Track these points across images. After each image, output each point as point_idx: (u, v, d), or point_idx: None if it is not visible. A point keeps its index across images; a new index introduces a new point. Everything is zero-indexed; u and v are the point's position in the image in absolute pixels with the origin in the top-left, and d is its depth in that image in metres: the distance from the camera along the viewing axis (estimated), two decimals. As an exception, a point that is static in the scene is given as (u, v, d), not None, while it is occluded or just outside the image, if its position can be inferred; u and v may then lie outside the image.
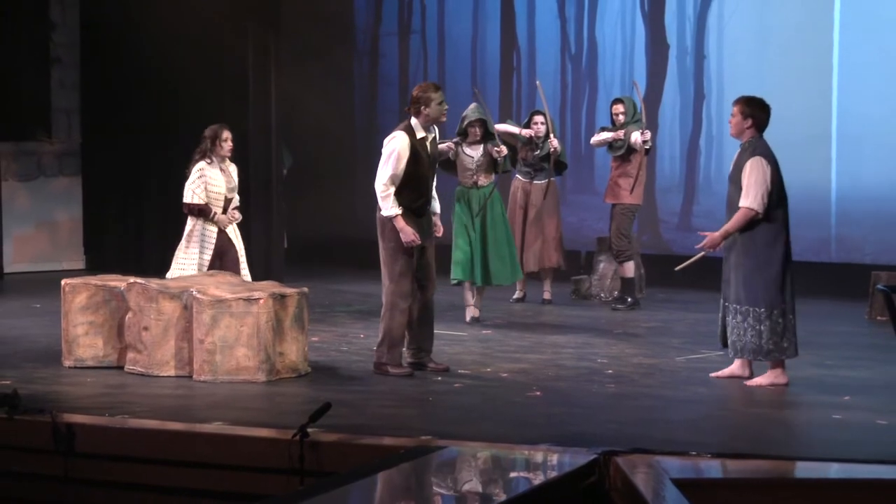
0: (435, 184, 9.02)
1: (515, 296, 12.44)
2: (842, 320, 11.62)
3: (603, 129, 12.48)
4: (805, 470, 6.44)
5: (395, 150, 8.63)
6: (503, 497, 5.84)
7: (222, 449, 6.88)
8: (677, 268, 9.33)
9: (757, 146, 8.44)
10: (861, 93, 13.18)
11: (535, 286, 12.56)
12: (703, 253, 8.87)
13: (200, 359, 8.51)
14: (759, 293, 8.36)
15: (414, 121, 8.71)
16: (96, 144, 14.95)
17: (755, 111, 8.49)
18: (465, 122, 11.15)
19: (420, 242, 8.68)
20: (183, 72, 14.08)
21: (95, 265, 14.28)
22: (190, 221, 9.80)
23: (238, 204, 9.98)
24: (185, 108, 14.32)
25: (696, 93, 14.05)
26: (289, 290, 8.82)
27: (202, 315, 8.49)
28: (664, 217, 14.20)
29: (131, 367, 8.76)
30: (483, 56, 15.29)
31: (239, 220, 9.89)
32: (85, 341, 8.96)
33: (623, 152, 12.10)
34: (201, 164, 9.73)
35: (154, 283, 8.83)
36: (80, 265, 14.79)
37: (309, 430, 6.62)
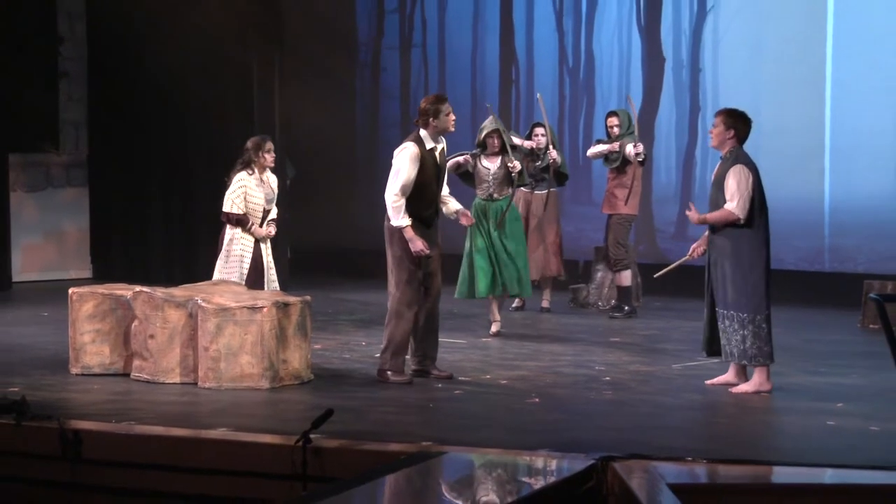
0: (448, 190, 9.03)
1: (515, 304, 12.43)
2: (835, 329, 11.62)
3: (598, 142, 12.50)
4: (800, 475, 6.43)
5: (405, 161, 8.64)
6: (503, 502, 5.84)
7: (226, 455, 6.87)
8: (656, 275, 9.39)
9: (738, 155, 8.48)
10: (854, 105, 13.19)
11: (535, 295, 12.54)
12: (681, 261, 8.93)
13: (205, 366, 8.50)
14: (742, 299, 8.36)
15: (423, 132, 8.73)
16: (103, 156, 14.95)
17: (737, 123, 8.52)
18: (483, 134, 11.01)
19: (428, 253, 8.68)
20: (188, 85, 14.09)
21: (102, 274, 14.28)
22: (228, 232, 9.73)
23: (275, 217, 9.90)
24: (191, 120, 14.34)
25: (691, 105, 14.06)
26: (292, 299, 8.82)
27: (207, 323, 8.49)
28: (660, 227, 14.20)
29: (137, 375, 8.76)
30: (483, 69, 15.30)
31: (273, 234, 9.84)
32: (92, 349, 8.96)
33: (618, 164, 12.11)
34: (242, 175, 9.68)
35: (160, 291, 8.83)
36: (88, 274, 14.78)
37: (312, 436, 6.61)
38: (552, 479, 6.31)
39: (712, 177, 8.60)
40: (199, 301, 8.58)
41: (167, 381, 8.62)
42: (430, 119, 8.70)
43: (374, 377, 8.81)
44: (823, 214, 13.34)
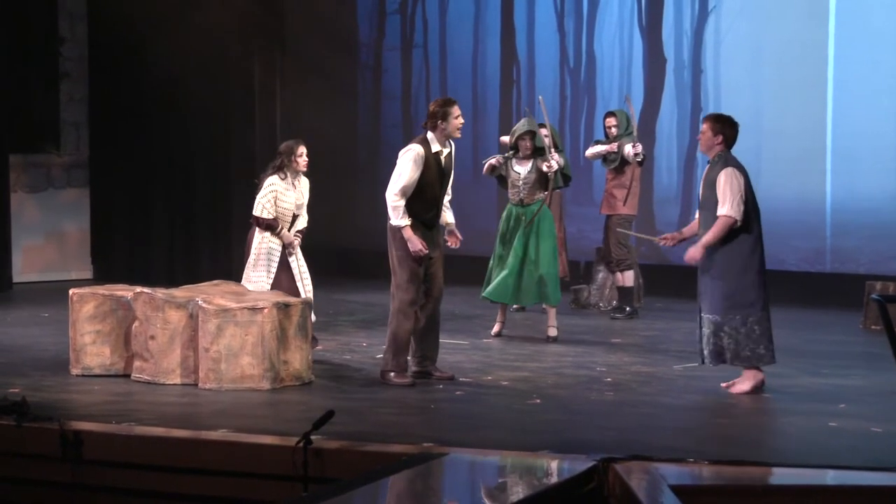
0: (450, 197, 9.01)
1: (515, 305, 12.41)
2: (837, 329, 11.61)
3: (597, 143, 12.50)
4: (801, 477, 6.42)
5: (408, 162, 8.64)
6: (504, 503, 5.83)
7: (227, 456, 6.86)
8: (619, 230, 9.29)
9: (728, 159, 8.48)
10: (856, 106, 13.18)
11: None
12: (648, 237, 8.96)
13: (206, 367, 8.50)
14: (732, 302, 8.33)
15: (430, 135, 8.73)
16: (104, 157, 14.95)
17: (725, 128, 8.51)
18: (516, 136, 10.86)
19: (427, 252, 8.67)
20: (189, 85, 14.09)
21: (103, 275, 14.28)
22: (257, 235, 9.66)
23: (304, 227, 9.80)
24: (192, 121, 14.34)
25: (693, 106, 14.04)
26: (293, 300, 8.82)
27: (207, 324, 8.48)
28: (661, 228, 14.17)
29: (138, 376, 8.75)
30: (484, 70, 15.29)
31: (297, 243, 9.73)
32: (92, 350, 8.95)
33: (617, 164, 12.11)
34: (273, 179, 9.59)
35: (160, 292, 8.82)
36: (88, 275, 14.78)
37: (312, 437, 6.60)
38: (553, 481, 6.30)
39: (702, 180, 8.57)
40: (199, 302, 8.57)
41: (168, 382, 8.61)
42: (439, 122, 8.70)
43: (376, 378, 8.80)
44: (825, 215, 13.33)
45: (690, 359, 9.79)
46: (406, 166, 8.63)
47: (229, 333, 8.46)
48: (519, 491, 6.17)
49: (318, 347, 9.75)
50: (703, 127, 8.57)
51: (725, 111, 13.92)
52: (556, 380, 8.96)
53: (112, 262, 14.77)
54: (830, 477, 6.47)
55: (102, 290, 9.21)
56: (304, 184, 9.80)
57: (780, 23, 13.63)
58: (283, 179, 9.61)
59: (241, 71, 14.09)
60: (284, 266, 9.67)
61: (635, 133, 12.07)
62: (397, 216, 8.63)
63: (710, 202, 8.40)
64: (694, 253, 8.46)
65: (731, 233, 8.36)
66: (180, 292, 8.95)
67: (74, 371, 8.95)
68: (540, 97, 12.01)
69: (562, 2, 14.80)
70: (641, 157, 12.01)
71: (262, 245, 9.64)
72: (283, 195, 9.61)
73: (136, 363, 8.77)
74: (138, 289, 8.92)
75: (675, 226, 14.13)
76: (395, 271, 8.74)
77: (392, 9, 15.85)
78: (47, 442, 7.07)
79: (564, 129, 14.61)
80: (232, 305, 8.51)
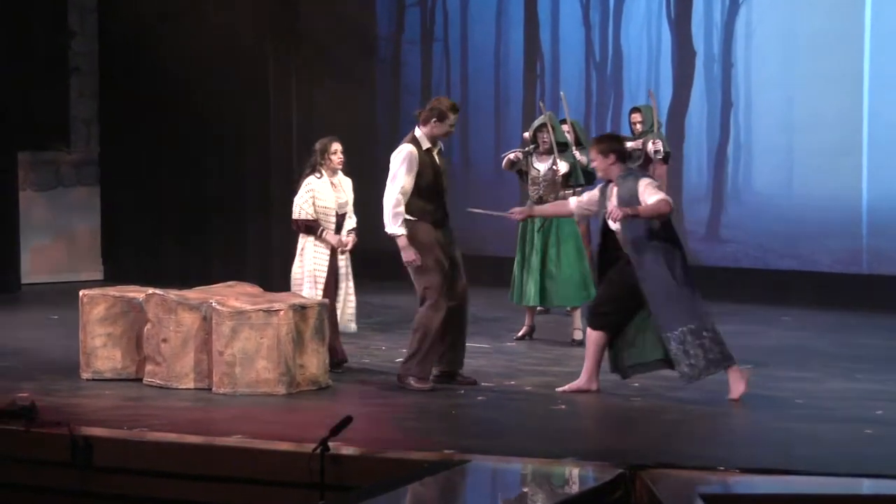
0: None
1: (539, 307, 12.39)
2: (873, 333, 11.55)
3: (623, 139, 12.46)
4: (836, 486, 6.40)
5: (404, 163, 8.63)
6: (528, 512, 5.83)
7: (242, 463, 6.88)
8: (469, 209, 9.39)
9: (634, 172, 8.45)
10: (894, 99, 13.11)
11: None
12: (497, 213, 9.02)
13: (220, 371, 8.51)
14: (685, 311, 8.27)
15: (419, 132, 8.72)
16: (115, 154, 14.99)
17: (610, 146, 8.46)
18: (533, 130, 10.81)
19: (419, 262, 8.62)
20: (202, 81, 14.11)
21: (114, 276, 14.31)
22: (301, 239, 9.53)
23: (354, 226, 9.65)
24: (206, 117, 14.36)
25: (723, 101, 14.01)
26: (309, 302, 8.82)
27: (222, 327, 8.50)
28: (691, 227, 14.15)
29: (150, 380, 8.77)
30: (506, 64, 15.27)
31: (350, 245, 9.56)
32: (103, 353, 8.98)
33: (641, 162, 12.09)
34: (309, 179, 9.43)
35: (173, 293, 8.83)
36: (99, 276, 14.82)
37: (330, 443, 6.61)
38: (579, 489, 6.30)
39: (613, 201, 8.36)
40: (213, 304, 8.59)
41: (181, 387, 8.63)
42: (434, 120, 8.69)
43: (395, 382, 8.80)
44: (861, 213, 13.26)
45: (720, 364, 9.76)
46: (400, 169, 8.62)
47: (244, 336, 8.47)
48: (543, 500, 6.17)
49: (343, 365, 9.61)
50: (592, 155, 8.54)
51: (757, 106, 13.98)
52: (581, 385, 8.94)
53: (123, 263, 14.80)
54: (866, 486, 6.44)
55: (113, 291, 9.24)
56: (345, 183, 9.64)
57: (814, 13, 13.58)
58: (318, 178, 9.50)
59: (255, 66, 14.12)
60: (333, 271, 9.58)
61: (656, 129, 12.04)
62: (396, 224, 8.58)
63: (631, 223, 8.27)
64: (619, 211, 8.26)
65: (658, 245, 8.24)
66: (193, 294, 8.97)
67: (85, 375, 8.98)
68: (561, 93, 11.98)
69: (587, -7, 14.79)
70: (662, 153, 11.97)
71: (307, 249, 9.47)
72: (321, 195, 9.46)
73: (148, 367, 8.79)
74: (150, 290, 8.94)
75: (704, 226, 14.12)
76: (415, 278, 8.71)
77: (411, 1, 15.86)
78: (57, 448, 7.09)
79: (590, 125, 14.57)
80: (247, 307, 8.52)
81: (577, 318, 10.77)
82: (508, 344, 10.70)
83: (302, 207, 9.40)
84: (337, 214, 9.53)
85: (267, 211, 14.30)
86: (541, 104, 11.85)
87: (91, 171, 15.09)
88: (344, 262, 9.59)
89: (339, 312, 9.47)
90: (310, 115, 14.69)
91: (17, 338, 10.84)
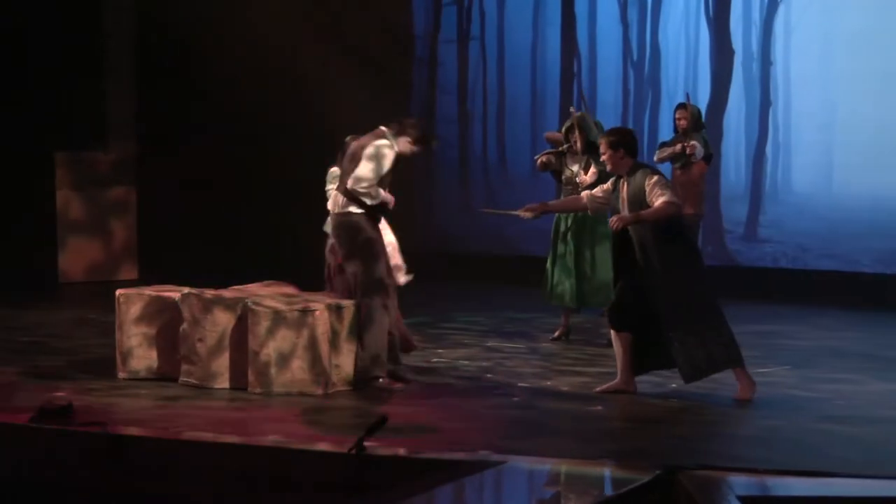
0: None
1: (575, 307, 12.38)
2: (914, 334, 11.49)
3: (662, 145, 12.43)
4: (875, 488, 6.35)
5: (387, 154, 8.68)
6: (564, 514, 5.82)
7: (277, 463, 6.89)
8: (482, 209, 9.66)
9: (644, 168, 8.39)
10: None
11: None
12: (510, 212, 9.00)
13: (255, 371, 8.53)
14: (689, 310, 8.23)
15: (392, 138, 8.78)
16: (152, 153, 15.06)
17: (620, 139, 8.42)
18: (564, 129, 10.77)
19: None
20: (238, 79, 14.17)
21: (150, 275, 14.37)
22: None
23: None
24: (242, 115, 14.41)
25: (762, 100, 13.96)
26: (345, 302, 8.83)
27: (258, 326, 8.52)
28: (729, 227, 14.11)
29: (185, 380, 8.80)
30: (543, 62, 15.27)
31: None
32: (139, 353, 9.01)
33: (684, 162, 12.05)
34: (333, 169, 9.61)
35: (209, 293, 8.86)
36: (135, 275, 14.89)
37: (366, 444, 6.61)
38: (615, 491, 6.27)
39: (622, 197, 8.39)
40: (249, 303, 8.61)
41: (216, 387, 8.66)
42: (408, 140, 8.78)
43: (429, 382, 8.81)
44: (901, 213, 13.20)
45: (758, 364, 9.73)
46: (385, 157, 8.70)
47: (280, 336, 8.49)
48: (579, 501, 6.16)
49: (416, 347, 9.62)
50: (601, 148, 8.48)
51: (796, 105, 13.92)
52: (618, 385, 8.92)
53: (159, 262, 14.87)
54: (907, 488, 6.40)
55: (149, 290, 9.27)
56: None
57: (854, 10, 13.52)
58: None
59: (291, 64, 14.15)
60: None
61: (700, 130, 12.01)
62: (378, 195, 8.69)
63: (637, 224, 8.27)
64: (625, 219, 8.27)
65: (672, 240, 8.22)
66: (229, 293, 8.99)
67: (121, 374, 9.02)
68: (581, 91, 11.94)
69: (625, -9, 14.76)
70: (697, 158, 11.92)
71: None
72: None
73: (184, 366, 8.82)
74: (186, 289, 8.97)
75: (742, 226, 14.07)
76: (357, 271, 8.71)
77: (448, 0, 15.87)
78: (93, 447, 7.13)
79: (627, 124, 14.55)
80: (283, 307, 8.54)
81: (564, 315, 10.84)
82: (544, 344, 10.68)
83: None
84: None
85: (303, 209, 14.32)
86: (571, 109, 11.82)
87: (128, 171, 15.16)
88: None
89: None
90: (346, 113, 14.70)
91: (55, 337, 10.90)
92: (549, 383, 8.99)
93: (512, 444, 7.08)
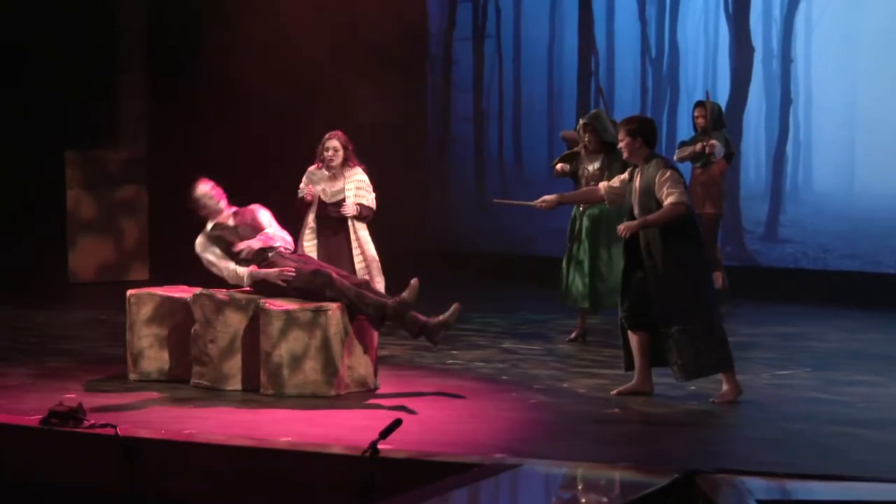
0: None
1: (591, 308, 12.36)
2: (937, 336, 11.45)
3: (682, 144, 12.41)
4: (898, 492, 6.35)
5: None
6: (580, 518, 5.82)
7: (291, 466, 6.90)
8: (496, 200, 9.96)
9: (658, 160, 8.36)
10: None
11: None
12: (525, 203, 9.10)
13: (268, 372, 8.55)
14: (685, 309, 8.22)
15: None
16: (163, 152, 15.08)
17: (640, 128, 8.41)
18: (578, 126, 10.71)
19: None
20: (252, 77, 14.17)
21: (162, 276, 14.39)
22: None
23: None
24: (256, 113, 14.42)
25: (782, 98, 13.93)
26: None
27: (270, 327, 8.53)
28: (749, 227, 14.08)
29: (197, 381, 8.81)
30: (560, 60, 15.25)
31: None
32: (150, 354, 9.03)
33: (704, 162, 12.04)
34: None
35: (220, 293, 8.88)
36: (146, 276, 14.92)
37: (379, 446, 6.62)
38: (633, 495, 6.27)
39: (634, 187, 8.39)
40: (261, 304, 8.62)
41: (228, 388, 8.67)
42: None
43: (444, 385, 8.81)
44: (925, 213, 13.17)
45: (780, 366, 9.72)
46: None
47: (292, 337, 8.50)
48: (596, 505, 6.16)
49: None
50: (620, 134, 8.48)
51: (817, 103, 13.89)
52: (636, 388, 8.91)
53: (171, 262, 14.88)
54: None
55: (161, 291, 9.29)
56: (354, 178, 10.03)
57: (877, 8, 13.48)
58: (317, 168, 9.95)
59: (305, 63, 14.16)
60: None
61: (719, 128, 12.00)
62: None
63: (651, 207, 8.24)
64: (631, 226, 8.28)
65: (675, 236, 8.21)
66: (241, 294, 9.01)
67: (132, 376, 9.04)
68: (598, 86, 11.94)
69: (643, -12, 14.75)
70: (716, 158, 11.90)
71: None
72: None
73: (196, 368, 8.84)
74: (198, 290, 8.99)
75: (763, 226, 14.04)
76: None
77: (463, -3, 15.88)
78: (103, 450, 7.14)
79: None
80: (295, 307, 8.55)
81: (581, 317, 10.81)
82: (560, 346, 10.67)
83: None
84: (328, 204, 9.85)
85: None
86: (600, 88, 11.80)
87: (139, 170, 15.18)
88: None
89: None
90: (359, 112, 14.71)
91: (65, 338, 10.92)
92: (565, 385, 8.98)
93: (528, 447, 7.08)
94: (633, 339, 8.47)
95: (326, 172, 9.92)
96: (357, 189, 9.89)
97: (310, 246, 9.82)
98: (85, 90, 14.57)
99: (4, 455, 7.45)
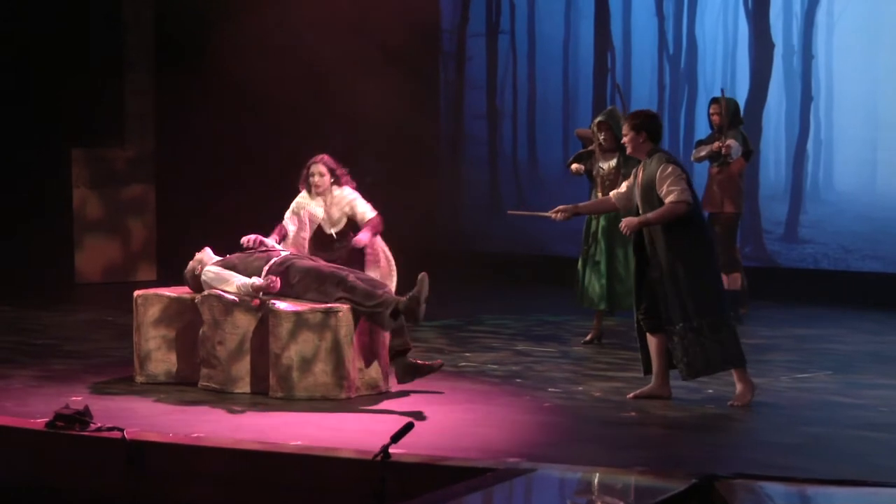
0: None
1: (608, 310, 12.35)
2: (961, 338, 11.43)
3: (699, 143, 12.39)
4: (921, 498, 6.34)
5: None
6: (595, 523, 5.82)
7: (300, 470, 6.91)
8: (510, 211, 10.07)
9: (662, 155, 8.34)
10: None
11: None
12: (539, 213, 9.03)
13: (277, 374, 8.56)
14: (690, 307, 8.20)
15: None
16: (171, 150, 15.11)
17: (645, 123, 8.39)
18: (594, 125, 10.70)
19: None
20: (261, 73, 14.18)
21: (169, 276, 14.41)
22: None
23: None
24: (264, 112, 14.43)
25: (803, 95, 13.91)
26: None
27: (279, 329, 8.54)
28: (768, 227, 14.07)
29: (205, 384, 8.83)
30: (575, 57, 15.25)
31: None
32: (158, 356, 9.05)
33: (722, 161, 12.02)
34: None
35: (229, 294, 8.88)
36: (154, 276, 14.93)
37: (391, 450, 6.62)
38: (650, 500, 6.27)
39: (637, 182, 8.38)
40: (270, 305, 8.63)
41: (237, 391, 8.68)
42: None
43: (457, 387, 8.82)
44: (949, 212, 13.15)
45: (799, 369, 9.71)
46: None
47: (302, 339, 8.51)
48: (612, 510, 6.16)
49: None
50: (624, 129, 8.49)
51: (838, 99, 13.87)
52: (652, 391, 8.91)
53: (179, 263, 14.89)
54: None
55: (168, 292, 9.31)
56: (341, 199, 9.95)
57: (899, 3, 13.47)
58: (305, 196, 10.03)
59: (314, 59, 14.17)
60: None
61: (736, 126, 11.99)
62: None
63: (654, 203, 8.25)
64: (631, 223, 8.29)
65: (684, 233, 8.20)
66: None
67: (139, 378, 9.06)
68: (616, 82, 11.93)
69: (661, -17, 14.75)
70: (733, 157, 11.88)
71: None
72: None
73: (204, 370, 8.85)
74: (206, 291, 9.00)
75: (782, 226, 14.02)
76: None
77: (476, -8, 15.88)
78: (110, 453, 7.16)
79: (663, 119, 14.51)
80: (304, 309, 8.56)
81: (597, 318, 10.81)
82: (575, 348, 10.67)
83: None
84: (322, 232, 9.76)
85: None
86: (616, 85, 11.78)
87: (146, 168, 15.20)
88: None
89: None
90: (370, 110, 14.73)
91: (71, 339, 10.95)
92: (580, 388, 8.98)
93: (542, 451, 7.09)
94: (652, 341, 8.47)
95: (316, 198, 9.81)
96: (353, 210, 9.77)
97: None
98: (92, 88, 14.59)
99: (10, 459, 7.47)
